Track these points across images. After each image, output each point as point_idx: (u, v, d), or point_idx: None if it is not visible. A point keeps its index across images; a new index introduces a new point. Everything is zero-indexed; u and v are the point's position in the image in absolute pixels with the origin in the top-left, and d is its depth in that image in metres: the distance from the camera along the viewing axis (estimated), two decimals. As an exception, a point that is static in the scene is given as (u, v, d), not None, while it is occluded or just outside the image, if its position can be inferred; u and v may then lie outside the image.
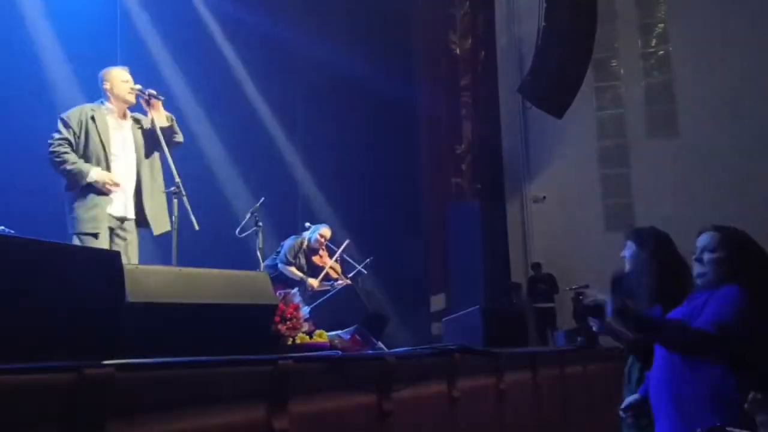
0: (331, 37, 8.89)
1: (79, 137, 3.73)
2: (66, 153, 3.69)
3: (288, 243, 6.26)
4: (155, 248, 4.44)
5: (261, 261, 5.54)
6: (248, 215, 5.86)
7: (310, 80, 9.14)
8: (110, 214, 3.70)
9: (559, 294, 10.29)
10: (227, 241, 6.23)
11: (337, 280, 6.33)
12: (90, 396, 1.42)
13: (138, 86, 3.88)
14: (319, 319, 3.05)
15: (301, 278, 6.03)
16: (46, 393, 1.37)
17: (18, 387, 1.31)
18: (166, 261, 3.66)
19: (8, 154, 5.48)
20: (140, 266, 2.09)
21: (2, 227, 4.22)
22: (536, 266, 10.88)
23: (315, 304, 4.33)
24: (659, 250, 2.93)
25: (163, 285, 2.08)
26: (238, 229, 5.99)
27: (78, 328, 1.70)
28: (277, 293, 2.55)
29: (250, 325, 2.32)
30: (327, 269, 6.22)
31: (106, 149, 3.73)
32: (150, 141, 3.92)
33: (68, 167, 3.66)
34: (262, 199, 6.03)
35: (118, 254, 2.05)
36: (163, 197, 3.88)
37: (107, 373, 1.46)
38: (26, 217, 4.40)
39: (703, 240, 2.39)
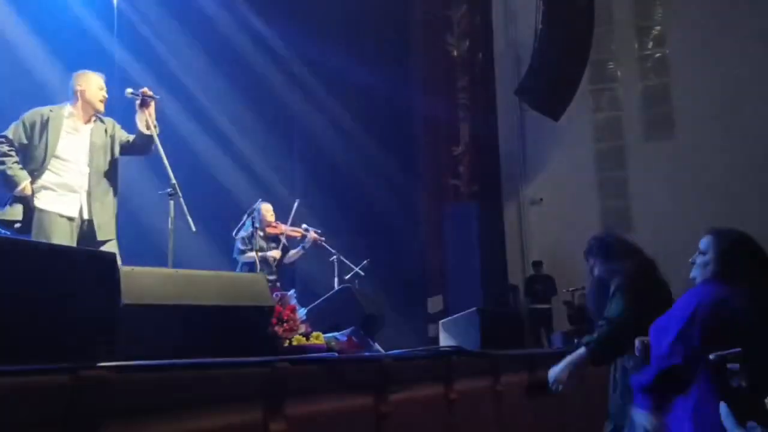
0: (329, 38, 8.90)
1: (30, 137, 3.71)
2: (5, 154, 3.68)
3: (239, 236, 6.19)
4: (150, 250, 4.43)
5: (257, 262, 5.54)
6: (245, 216, 5.86)
7: (307, 81, 9.14)
8: (58, 213, 3.67)
9: (558, 296, 10.28)
10: (224, 243, 6.22)
11: (303, 238, 6.24)
12: (85, 398, 1.41)
13: (130, 89, 3.86)
14: (315, 321, 3.04)
15: (263, 257, 6.00)
16: (42, 395, 1.36)
17: (13, 389, 1.31)
18: (161, 263, 3.65)
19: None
20: (136, 268, 2.09)
21: (-2, 229, 4.21)
22: (537, 265, 10.78)
23: (312, 305, 4.32)
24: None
25: (159, 287, 2.08)
26: (235, 231, 5.99)
27: (73, 330, 1.70)
28: (274, 295, 2.55)
29: (247, 327, 2.32)
30: (287, 234, 6.17)
31: (51, 153, 3.69)
32: (125, 144, 3.91)
33: (4, 170, 3.66)
34: (260, 200, 6.03)
35: (114, 256, 2.05)
36: (113, 205, 3.86)
37: (102, 375, 1.46)
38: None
39: (700, 243, 2.38)
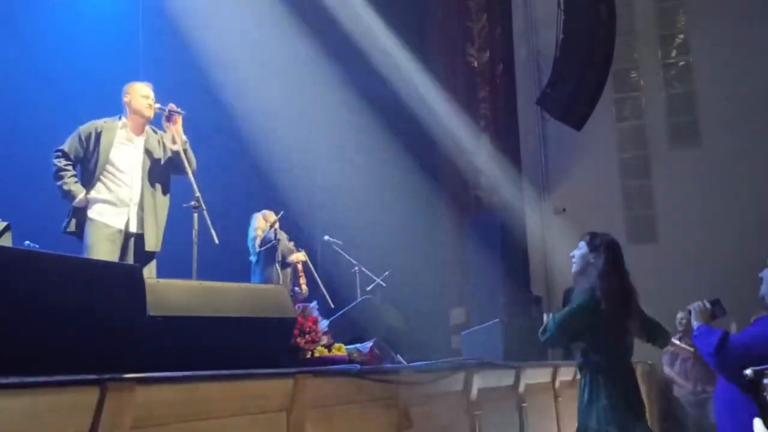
0: (349, 50, 8.97)
1: (85, 149, 3.81)
2: (62, 169, 3.77)
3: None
4: (175, 262, 4.48)
5: (280, 274, 5.57)
6: (268, 228, 5.90)
7: (330, 93, 9.20)
8: (106, 224, 3.73)
9: None
10: (247, 255, 6.26)
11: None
12: (111, 408, 1.43)
13: (158, 105, 3.91)
14: (337, 333, 3.05)
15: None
16: (69, 405, 1.38)
17: (41, 399, 1.33)
18: (186, 275, 3.69)
19: (32, 170, 5.58)
20: (161, 280, 2.12)
21: (27, 242, 4.30)
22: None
23: (334, 317, 4.33)
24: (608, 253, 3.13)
25: (184, 298, 2.10)
26: (258, 242, 6.03)
27: (100, 341, 1.72)
28: (296, 306, 2.56)
29: (270, 339, 2.33)
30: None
31: (103, 164, 3.77)
32: (167, 160, 3.95)
33: (61, 185, 3.77)
34: (282, 212, 6.07)
35: (139, 268, 2.08)
36: (164, 216, 3.90)
37: (128, 387, 1.48)
38: (51, 233, 4.46)
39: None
